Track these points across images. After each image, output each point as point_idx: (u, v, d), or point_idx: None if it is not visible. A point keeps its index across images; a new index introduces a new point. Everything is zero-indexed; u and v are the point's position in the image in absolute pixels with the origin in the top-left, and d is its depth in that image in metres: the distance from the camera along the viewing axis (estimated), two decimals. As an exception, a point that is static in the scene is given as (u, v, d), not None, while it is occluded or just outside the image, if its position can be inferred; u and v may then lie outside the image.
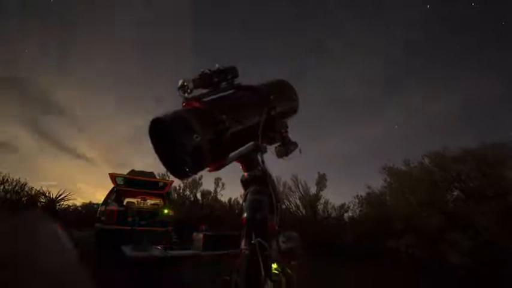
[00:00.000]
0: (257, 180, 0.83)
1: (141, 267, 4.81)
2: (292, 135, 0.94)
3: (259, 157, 0.84)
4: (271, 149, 0.91)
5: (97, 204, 12.32)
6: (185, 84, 0.75)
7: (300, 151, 0.95)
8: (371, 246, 7.82)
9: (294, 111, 1.02)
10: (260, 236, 0.75)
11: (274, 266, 0.78)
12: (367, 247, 7.85)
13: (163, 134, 0.70)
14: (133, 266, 4.84)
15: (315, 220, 11.44)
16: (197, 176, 14.46)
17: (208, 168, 0.77)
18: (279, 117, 0.90)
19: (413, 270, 6.49)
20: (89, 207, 14.84)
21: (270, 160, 0.88)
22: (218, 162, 0.77)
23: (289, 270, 0.81)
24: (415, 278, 5.83)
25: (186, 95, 0.75)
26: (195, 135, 0.66)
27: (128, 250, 5.01)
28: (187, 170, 0.71)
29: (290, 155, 0.93)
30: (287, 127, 0.94)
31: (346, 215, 11.68)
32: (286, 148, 0.91)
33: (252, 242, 0.74)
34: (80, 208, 15.86)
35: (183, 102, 0.77)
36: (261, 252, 0.73)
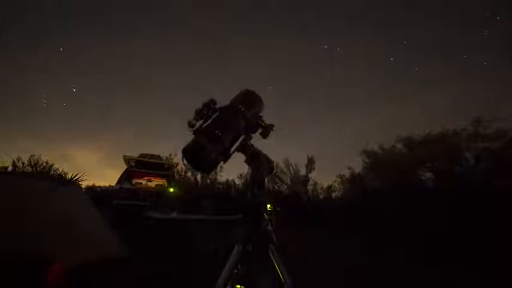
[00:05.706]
0: (253, 158, 1.23)
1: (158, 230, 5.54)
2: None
3: (249, 143, 1.23)
4: (256, 135, 1.29)
5: (100, 187, 12.82)
6: (190, 122, 1.11)
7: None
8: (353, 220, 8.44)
9: (261, 107, 1.35)
10: (260, 189, 1.19)
11: (268, 206, 1.26)
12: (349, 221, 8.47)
13: (191, 155, 1.07)
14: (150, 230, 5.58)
15: (306, 200, 12.13)
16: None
17: (222, 163, 1.15)
18: (252, 115, 1.26)
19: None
20: (93, 190, 15.00)
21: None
22: (226, 157, 1.14)
23: (278, 209, 1.28)
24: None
25: (193, 128, 1.11)
26: (207, 149, 0.97)
27: (153, 214, 5.96)
28: (209, 169, 1.10)
29: (270, 133, 1.30)
30: (261, 117, 1.30)
31: (333, 194, 12.41)
32: (266, 130, 1.28)
33: (254, 191, 1.20)
34: (84, 191, 15.80)
35: (193, 133, 1.10)
36: (260, 198, 1.18)
